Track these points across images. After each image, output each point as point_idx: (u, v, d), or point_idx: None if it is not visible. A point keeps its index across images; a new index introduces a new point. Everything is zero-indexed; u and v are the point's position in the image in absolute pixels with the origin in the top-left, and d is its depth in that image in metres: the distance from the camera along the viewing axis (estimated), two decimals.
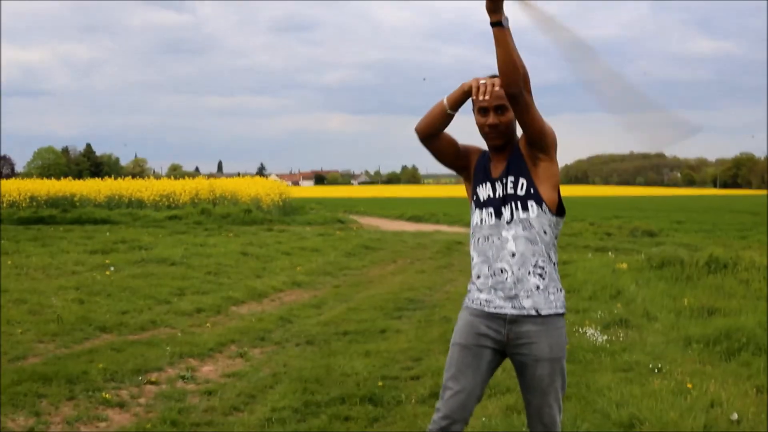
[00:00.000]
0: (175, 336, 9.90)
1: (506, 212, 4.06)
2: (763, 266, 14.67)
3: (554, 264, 4.12)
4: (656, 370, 7.99)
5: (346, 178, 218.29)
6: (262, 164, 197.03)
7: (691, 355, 8.71)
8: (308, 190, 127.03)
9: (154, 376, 8.02)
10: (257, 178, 49.04)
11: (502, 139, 4.12)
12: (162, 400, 7.25)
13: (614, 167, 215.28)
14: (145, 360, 8.51)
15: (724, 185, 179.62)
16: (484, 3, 3.73)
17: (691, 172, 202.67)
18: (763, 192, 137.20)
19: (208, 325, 10.77)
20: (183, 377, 8.07)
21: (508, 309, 4.04)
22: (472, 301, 4.17)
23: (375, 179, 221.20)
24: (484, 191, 4.18)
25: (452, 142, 4.31)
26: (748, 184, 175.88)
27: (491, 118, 4.06)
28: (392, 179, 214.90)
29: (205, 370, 8.43)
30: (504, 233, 4.06)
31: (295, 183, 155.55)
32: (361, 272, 17.16)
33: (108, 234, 23.60)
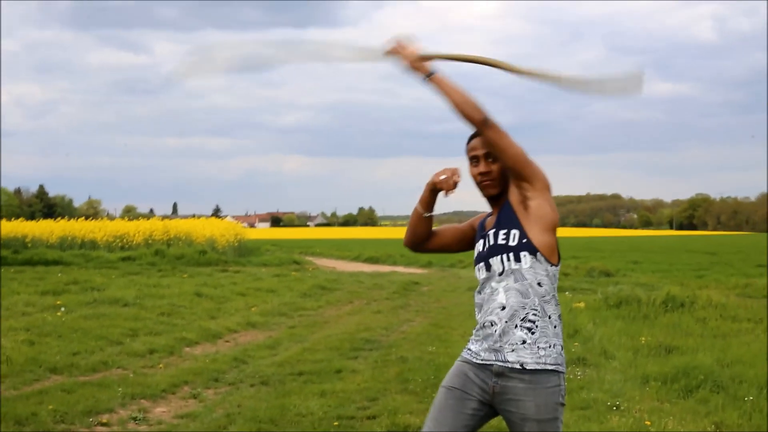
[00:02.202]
0: (127, 377, 9.73)
1: (495, 264, 3.94)
2: (720, 305, 14.81)
3: (550, 318, 3.89)
4: (614, 408, 7.98)
5: (302, 220, 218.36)
6: (217, 206, 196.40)
7: (649, 393, 8.71)
8: (264, 231, 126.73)
9: (105, 418, 7.87)
10: (212, 219, 48.77)
11: (497, 187, 4.05)
12: None
13: (571, 208, 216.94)
14: (96, 401, 8.35)
15: (680, 226, 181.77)
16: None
17: (648, 214, 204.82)
18: (719, 233, 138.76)
19: (160, 366, 10.61)
20: (135, 418, 7.93)
21: (492, 360, 3.88)
22: (466, 351, 4.05)
23: (331, 221, 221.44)
24: (478, 246, 4.10)
25: (451, 233, 4.37)
26: (704, 225, 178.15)
27: (482, 166, 4.02)
28: (349, 221, 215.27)
29: (158, 412, 8.29)
30: (494, 285, 3.93)
31: (251, 225, 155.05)
32: (317, 313, 17.06)
33: (60, 275, 23.30)
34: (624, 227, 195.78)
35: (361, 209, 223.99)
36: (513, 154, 3.89)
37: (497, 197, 4.07)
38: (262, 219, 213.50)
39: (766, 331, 12.84)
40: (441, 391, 4.05)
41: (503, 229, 3.95)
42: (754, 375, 9.13)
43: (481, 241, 4.08)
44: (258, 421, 7.60)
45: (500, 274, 3.91)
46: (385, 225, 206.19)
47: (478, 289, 4.05)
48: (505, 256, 3.91)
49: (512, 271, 3.88)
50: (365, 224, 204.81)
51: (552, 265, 3.94)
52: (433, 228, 4.37)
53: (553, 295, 3.94)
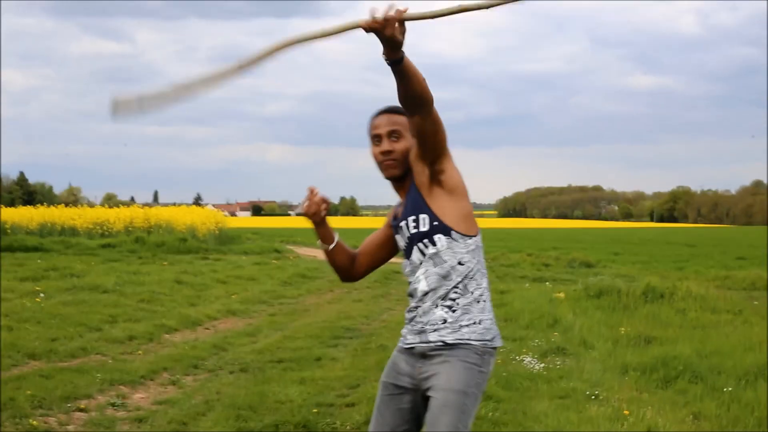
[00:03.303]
0: (106, 363, 9.70)
1: (414, 254, 3.81)
2: (699, 296, 14.86)
3: (473, 293, 3.74)
4: (593, 397, 8.00)
5: (283, 209, 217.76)
6: (198, 194, 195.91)
7: (628, 383, 8.74)
8: (245, 220, 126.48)
9: (83, 404, 7.83)
10: (193, 207, 48.58)
11: (399, 168, 3.84)
12: (91, 428, 7.08)
13: (552, 200, 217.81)
14: (74, 387, 8.30)
15: (661, 219, 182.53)
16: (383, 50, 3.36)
17: (629, 206, 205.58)
18: (699, 225, 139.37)
19: (140, 352, 10.58)
20: (113, 404, 7.89)
21: (416, 343, 3.78)
22: (400, 340, 3.95)
23: None
24: (399, 242, 3.98)
25: (374, 244, 4.19)
26: (685, 218, 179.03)
27: (385, 145, 3.83)
28: (330, 210, 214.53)
29: (136, 398, 8.27)
30: (418, 273, 3.80)
31: (232, 213, 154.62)
32: (297, 301, 17.05)
33: (39, 261, 23.15)
34: (605, 219, 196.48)
35: (342, 198, 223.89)
36: (443, 132, 3.65)
37: (400, 179, 3.89)
38: (243, 208, 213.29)
39: (744, 322, 12.90)
40: (379, 386, 4.02)
41: (411, 215, 3.81)
42: (732, 366, 9.17)
43: (398, 237, 3.97)
44: (237, 407, 7.58)
45: (421, 262, 3.80)
46: (367, 215, 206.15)
47: (409, 283, 3.92)
48: (420, 244, 3.79)
49: (430, 257, 3.76)
50: (347, 214, 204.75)
51: (470, 237, 3.79)
52: (361, 247, 4.21)
53: (479, 270, 3.80)
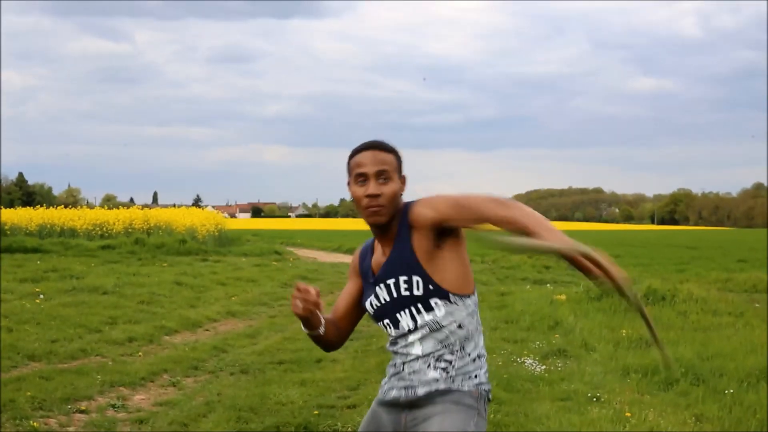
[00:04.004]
0: (106, 365, 9.68)
1: (404, 319, 3.37)
2: (700, 298, 14.85)
3: (470, 356, 3.38)
4: (595, 399, 7.98)
5: (283, 211, 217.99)
6: (198, 195, 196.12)
7: (630, 385, 8.71)
8: (245, 222, 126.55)
9: (83, 405, 7.82)
10: (193, 208, 48.59)
11: (386, 215, 3.33)
12: (92, 429, 7.08)
13: (552, 202, 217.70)
14: (74, 389, 8.29)
15: (662, 221, 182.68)
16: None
17: (629, 208, 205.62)
18: (700, 228, 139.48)
19: (140, 354, 10.56)
20: (113, 406, 7.88)
21: (403, 396, 3.38)
22: (379, 391, 3.56)
23: (313, 212, 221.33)
24: (372, 299, 3.45)
25: (347, 305, 3.66)
26: (686, 220, 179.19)
27: (371, 187, 3.31)
28: (330, 212, 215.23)
29: (137, 399, 8.25)
30: (410, 338, 3.36)
31: (232, 215, 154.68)
32: None
33: (39, 263, 23.14)
34: (605, 221, 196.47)
35: (342, 200, 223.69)
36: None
37: (384, 227, 3.39)
38: (243, 209, 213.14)
39: (746, 325, 12.88)
40: None
41: (403, 275, 3.33)
42: (734, 368, 9.15)
43: (377, 293, 3.43)
44: (237, 409, 7.57)
45: (411, 330, 3.36)
46: None
47: (390, 340, 3.50)
48: (413, 309, 3.34)
49: (426, 323, 3.32)
50: (346, 216, 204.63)
51: (469, 296, 3.38)
52: (337, 310, 3.68)
53: (477, 329, 3.44)
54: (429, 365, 3.34)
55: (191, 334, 12.41)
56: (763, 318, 13.51)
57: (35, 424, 7.04)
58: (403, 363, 3.42)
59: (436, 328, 3.33)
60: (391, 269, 3.37)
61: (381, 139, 3.44)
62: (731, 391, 8.24)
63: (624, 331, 11.72)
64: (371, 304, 3.48)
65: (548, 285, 19.75)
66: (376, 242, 3.51)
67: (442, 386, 3.32)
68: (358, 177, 3.36)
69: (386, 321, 3.45)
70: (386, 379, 3.54)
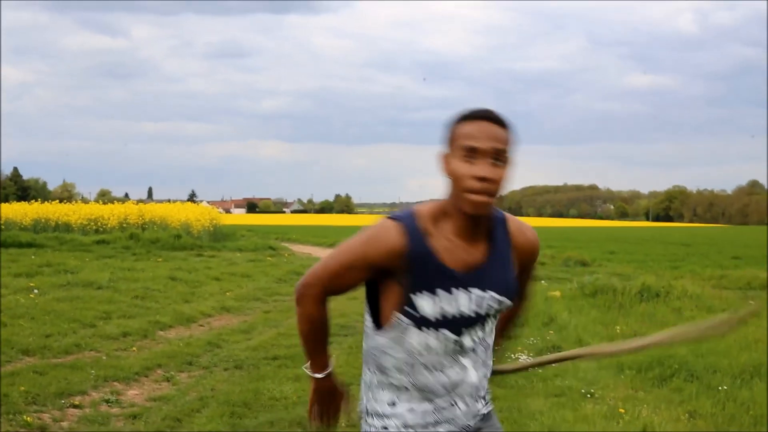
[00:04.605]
0: (100, 359, 9.67)
1: (469, 337, 2.80)
2: (695, 295, 14.87)
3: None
4: (588, 395, 8.00)
5: (278, 206, 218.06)
6: (193, 191, 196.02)
7: (624, 381, 8.73)
8: (240, 217, 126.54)
9: (77, 400, 7.81)
10: (188, 204, 48.59)
11: (490, 208, 2.71)
12: (85, 424, 7.06)
13: (548, 198, 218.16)
14: (68, 383, 8.28)
15: (657, 218, 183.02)
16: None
17: (624, 205, 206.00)
18: (695, 225, 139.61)
19: (134, 349, 10.54)
20: (107, 401, 7.88)
21: None
22: None
23: (308, 208, 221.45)
24: (443, 303, 2.73)
25: (355, 279, 2.83)
26: (680, 217, 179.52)
27: (485, 168, 2.63)
28: (325, 208, 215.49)
29: (131, 394, 8.24)
30: (463, 360, 2.81)
31: (227, 210, 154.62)
32: (292, 298, 16.93)
33: (33, 257, 23.10)
34: (600, 218, 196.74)
35: (337, 196, 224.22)
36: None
37: (477, 222, 2.76)
38: (238, 204, 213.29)
39: (740, 322, 12.88)
40: None
41: (500, 295, 2.83)
42: (728, 364, 9.16)
43: (459, 298, 2.75)
44: (231, 404, 7.57)
45: (470, 349, 2.83)
46: (362, 212, 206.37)
47: (425, 362, 2.80)
48: (488, 324, 2.88)
49: (481, 342, 2.86)
50: (341, 211, 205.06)
51: None
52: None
53: None
54: (476, 400, 2.91)
55: (185, 329, 12.40)
56: (757, 315, 13.52)
57: (29, 418, 7.03)
58: (452, 401, 2.84)
59: (486, 347, 2.91)
60: (488, 281, 2.79)
61: (494, 110, 2.74)
62: (725, 387, 8.25)
63: (618, 327, 11.75)
64: (448, 308, 2.73)
65: (542, 281, 19.73)
66: (445, 231, 2.76)
67: (484, 411, 2.98)
68: (467, 151, 2.65)
69: (447, 332, 2.76)
70: (396, 423, 2.89)
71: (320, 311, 2.93)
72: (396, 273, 2.73)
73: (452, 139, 2.72)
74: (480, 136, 2.65)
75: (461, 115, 2.74)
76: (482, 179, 2.62)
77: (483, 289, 2.78)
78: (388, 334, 2.82)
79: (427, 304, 2.72)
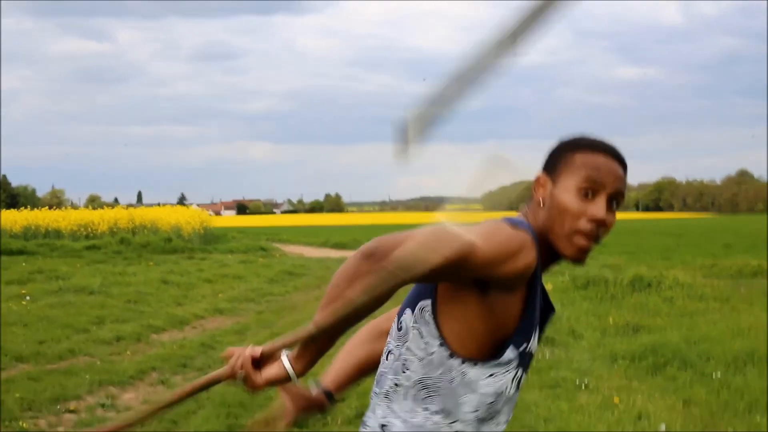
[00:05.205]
0: (95, 364, 9.67)
1: (515, 385, 2.27)
2: (686, 284, 14.91)
3: None
4: (583, 386, 8.02)
5: (268, 207, 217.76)
6: (182, 194, 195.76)
7: (618, 371, 8.76)
8: (230, 219, 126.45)
9: (72, 405, 7.82)
10: (178, 207, 48.51)
11: (587, 257, 2.24)
12: (81, 429, 7.06)
13: None
14: (63, 389, 8.29)
15: (646, 208, 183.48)
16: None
17: None
18: (684, 214, 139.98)
19: (128, 353, 10.54)
20: (103, 405, 7.89)
21: None
22: None
23: (298, 208, 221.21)
24: (533, 342, 2.25)
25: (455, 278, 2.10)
26: (670, 208, 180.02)
27: (604, 211, 2.19)
28: (315, 207, 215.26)
29: (126, 398, 8.25)
30: (506, 408, 2.29)
31: (217, 212, 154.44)
32: (284, 298, 17.02)
33: (24, 264, 23.07)
34: None
35: (327, 196, 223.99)
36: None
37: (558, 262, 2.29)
38: (228, 206, 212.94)
39: (732, 309, 12.94)
40: None
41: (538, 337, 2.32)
42: (721, 352, 9.20)
43: (533, 337, 2.25)
44: (227, 405, 7.57)
45: (512, 396, 2.30)
46: (352, 211, 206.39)
47: (487, 402, 2.17)
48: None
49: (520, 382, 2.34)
50: (332, 211, 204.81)
51: None
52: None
53: None
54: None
55: (179, 332, 12.39)
56: (749, 302, 13.58)
57: (25, 425, 7.03)
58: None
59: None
60: (541, 323, 2.32)
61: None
62: (718, 374, 8.29)
63: (611, 318, 11.77)
64: (533, 345, 2.25)
65: None
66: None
67: None
68: (590, 185, 2.19)
69: (520, 370, 2.25)
70: None
71: (387, 295, 1.95)
72: (510, 290, 2.11)
73: (568, 166, 2.23)
74: (608, 174, 2.20)
75: (581, 142, 2.27)
76: (598, 222, 2.17)
77: (535, 341, 2.29)
78: (489, 368, 2.16)
79: (532, 345, 2.24)
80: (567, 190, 2.19)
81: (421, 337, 2.19)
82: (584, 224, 2.16)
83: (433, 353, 2.16)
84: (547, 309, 2.36)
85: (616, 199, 2.21)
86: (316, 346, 2.19)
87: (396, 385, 2.24)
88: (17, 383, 8.44)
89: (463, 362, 2.13)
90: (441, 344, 2.14)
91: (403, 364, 2.23)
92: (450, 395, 2.16)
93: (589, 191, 2.17)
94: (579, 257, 2.21)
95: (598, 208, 2.16)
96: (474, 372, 2.14)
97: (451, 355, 2.13)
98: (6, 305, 13.93)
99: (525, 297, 2.14)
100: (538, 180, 2.28)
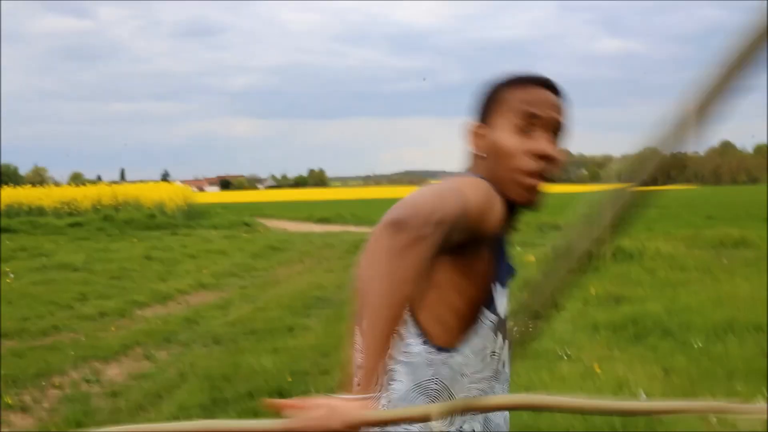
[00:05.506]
0: (79, 340, 9.69)
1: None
2: (668, 255, 14.99)
3: None
4: (564, 356, 8.06)
5: (252, 183, 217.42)
6: (165, 170, 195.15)
7: (599, 341, 8.81)
8: (214, 195, 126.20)
9: (57, 380, 7.84)
10: (161, 183, 48.37)
11: (542, 199, 2.11)
12: (66, 404, 7.08)
13: None
14: (47, 364, 8.31)
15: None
16: None
17: (597, 169, 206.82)
18: (667, 186, 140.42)
19: (112, 328, 10.55)
20: (87, 380, 7.90)
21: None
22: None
23: (282, 183, 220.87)
24: (504, 303, 2.09)
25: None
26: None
27: (549, 145, 2.05)
28: (299, 182, 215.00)
29: (110, 373, 8.26)
30: (504, 355, 2.12)
31: (200, 188, 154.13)
32: (268, 273, 17.03)
33: (7, 242, 23.02)
34: (574, 183, 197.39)
35: (311, 170, 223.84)
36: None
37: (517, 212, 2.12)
38: (212, 182, 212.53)
39: (714, 280, 13.01)
40: None
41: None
42: (702, 322, 9.26)
43: (506, 294, 2.11)
44: (211, 378, 7.60)
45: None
46: (336, 185, 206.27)
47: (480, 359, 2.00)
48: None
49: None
50: (316, 185, 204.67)
51: None
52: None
53: None
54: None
55: (163, 307, 12.40)
56: (731, 272, 13.66)
57: (9, 400, 7.05)
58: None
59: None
60: (511, 278, 2.17)
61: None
62: (699, 343, 8.34)
63: (593, 289, 11.81)
64: (502, 305, 2.07)
65: (517, 247, 19.84)
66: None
67: None
68: (525, 120, 2.05)
69: (501, 334, 2.08)
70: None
71: (424, 268, 1.63)
72: (479, 251, 1.94)
73: (498, 106, 2.09)
74: (544, 106, 2.06)
75: (510, 79, 2.12)
76: (542, 157, 2.02)
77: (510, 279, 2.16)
78: (471, 345, 2.00)
79: (500, 299, 2.05)
80: (503, 131, 2.05)
81: (400, 340, 1.95)
82: (527, 162, 2.01)
83: (418, 353, 1.97)
84: (510, 270, 2.14)
85: (557, 131, 2.08)
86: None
87: (388, 402, 1.94)
88: (2, 359, 8.45)
89: (447, 352, 1.96)
90: (424, 342, 1.96)
91: (389, 377, 1.85)
92: (443, 390, 1.98)
93: (525, 126, 2.04)
94: (530, 199, 2.06)
95: (538, 142, 2.02)
96: (460, 357, 1.98)
97: (438, 350, 1.96)
98: None
99: (492, 256, 1.99)
100: (473, 132, 2.14)
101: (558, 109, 2.07)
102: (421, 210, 1.63)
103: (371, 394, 1.57)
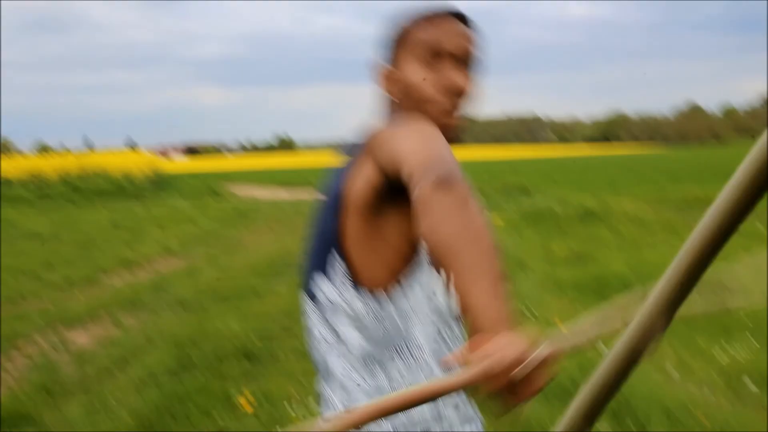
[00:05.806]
0: (46, 308, 9.67)
1: None
2: (635, 216, 15.09)
3: None
4: (530, 315, 8.12)
5: (219, 150, 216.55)
6: (129, 137, 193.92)
7: (564, 300, 8.88)
8: (182, 165, 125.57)
9: (24, 348, 7.83)
10: (127, 152, 48.14)
11: (458, 133, 1.99)
12: (34, 371, 7.08)
13: (485, 127, 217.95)
14: (14, 332, 8.30)
15: (596, 140, 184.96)
16: None
17: (565, 132, 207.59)
18: (634, 146, 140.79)
19: (79, 295, 10.54)
20: (55, 347, 7.89)
21: None
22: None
23: (249, 150, 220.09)
24: None
25: None
26: (617, 138, 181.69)
27: (461, 78, 1.94)
28: (267, 149, 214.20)
29: (78, 339, 8.25)
30: None
31: (166, 155, 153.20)
32: (236, 239, 17.01)
33: None
34: (541, 143, 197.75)
35: (278, 137, 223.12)
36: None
37: None
38: (178, 150, 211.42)
39: (680, 240, 13.11)
40: None
41: None
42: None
43: None
44: (179, 343, 7.61)
45: None
46: (304, 152, 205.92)
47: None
48: None
49: None
50: (284, 151, 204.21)
51: None
52: None
53: None
54: None
55: (130, 274, 12.38)
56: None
57: None
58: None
59: None
60: None
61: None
62: None
63: (558, 249, 11.90)
64: None
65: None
66: None
67: None
68: (428, 54, 1.95)
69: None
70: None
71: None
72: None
73: (404, 45, 1.99)
74: (452, 38, 1.95)
75: (409, 17, 2.00)
76: (449, 88, 1.93)
77: None
78: (416, 282, 1.89)
79: None
80: (409, 67, 1.96)
81: (343, 298, 1.88)
82: (435, 95, 1.92)
83: (365, 308, 1.87)
84: None
85: (466, 60, 1.96)
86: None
87: (350, 366, 1.90)
88: None
89: (394, 299, 1.86)
90: (368, 291, 1.86)
91: (342, 341, 1.91)
92: (398, 338, 1.88)
93: (433, 60, 1.94)
94: (447, 136, 1.90)
95: (443, 73, 1.93)
96: (405, 300, 1.87)
97: (385, 300, 1.86)
98: None
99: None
100: (383, 76, 2.04)
101: (467, 38, 1.97)
102: (448, 160, 1.57)
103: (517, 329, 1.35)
